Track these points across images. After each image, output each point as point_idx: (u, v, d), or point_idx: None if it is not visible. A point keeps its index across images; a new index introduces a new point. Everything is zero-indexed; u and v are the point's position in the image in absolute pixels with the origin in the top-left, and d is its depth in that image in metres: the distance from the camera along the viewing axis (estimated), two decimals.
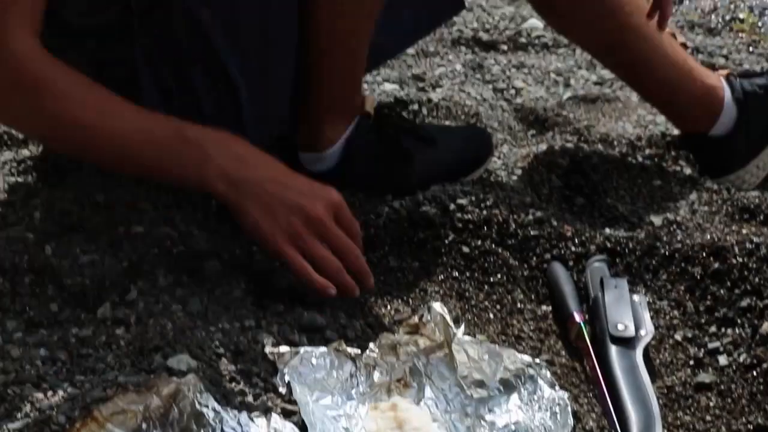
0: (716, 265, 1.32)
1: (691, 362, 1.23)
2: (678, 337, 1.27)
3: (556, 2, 1.58)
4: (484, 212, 1.37)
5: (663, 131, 1.71)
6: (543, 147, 1.62)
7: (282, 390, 1.05)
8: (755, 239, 1.34)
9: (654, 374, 1.20)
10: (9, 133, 1.56)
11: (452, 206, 1.37)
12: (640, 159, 1.63)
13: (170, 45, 1.25)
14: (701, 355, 1.24)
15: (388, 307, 1.27)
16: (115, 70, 1.25)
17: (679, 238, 1.39)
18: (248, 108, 1.28)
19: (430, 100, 1.78)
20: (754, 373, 1.18)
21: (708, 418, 1.15)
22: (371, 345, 1.10)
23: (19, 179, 1.43)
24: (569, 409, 1.07)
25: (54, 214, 1.31)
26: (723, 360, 1.21)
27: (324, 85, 1.34)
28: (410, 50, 1.96)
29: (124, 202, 1.32)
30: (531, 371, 1.09)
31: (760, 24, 2.35)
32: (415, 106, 1.76)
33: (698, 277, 1.33)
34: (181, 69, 1.25)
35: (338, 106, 1.37)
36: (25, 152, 1.51)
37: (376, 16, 1.31)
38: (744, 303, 1.27)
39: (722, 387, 1.18)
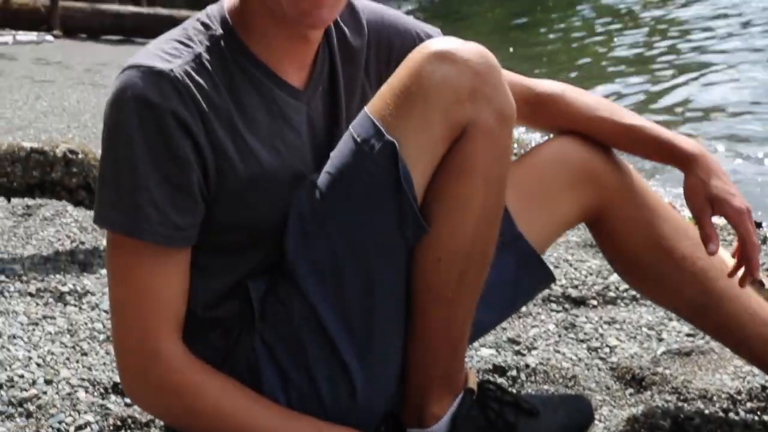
0: None
1: None
2: None
3: (638, 269, 1.61)
4: None
5: (763, 383, 1.71)
6: (643, 408, 1.63)
7: None
8: None
9: None
10: (132, 417, 1.63)
11: None
12: (742, 414, 1.62)
13: (287, 331, 1.34)
14: None
15: None
16: (237, 358, 1.35)
17: None
18: (361, 388, 1.35)
19: (527, 365, 1.81)
20: None
21: None
22: None
23: None
24: None
25: None
26: None
27: (429, 362, 1.40)
28: None
29: None
30: None
31: None
32: (513, 372, 1.80)
33: None
34: (298, 354, 1.34)
35: (442, 382, 1.42)
36: None
37: (477, 300, 1.39)
38: None
39: None
